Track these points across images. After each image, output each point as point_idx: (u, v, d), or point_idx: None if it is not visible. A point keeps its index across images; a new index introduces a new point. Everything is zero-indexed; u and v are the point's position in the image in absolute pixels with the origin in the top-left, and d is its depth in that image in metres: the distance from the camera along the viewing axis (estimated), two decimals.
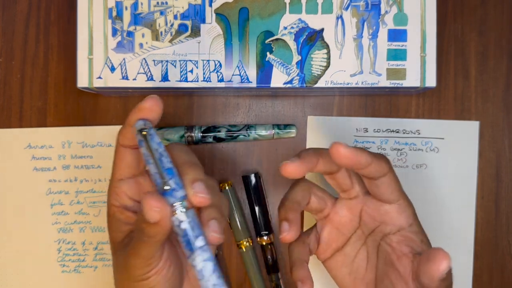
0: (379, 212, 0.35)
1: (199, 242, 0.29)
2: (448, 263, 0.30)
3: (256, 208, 0.46)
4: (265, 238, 0.46)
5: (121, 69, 0.42)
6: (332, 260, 0.38)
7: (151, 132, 0.31)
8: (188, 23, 0.42)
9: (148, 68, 0.42)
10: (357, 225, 0.37)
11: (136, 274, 0.31)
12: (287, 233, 0.33)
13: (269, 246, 0.46)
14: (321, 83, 0.42)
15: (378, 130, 0.47)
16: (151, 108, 0.31)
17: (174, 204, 0.29)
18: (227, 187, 0.46)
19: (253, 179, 0.46)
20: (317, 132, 0.47)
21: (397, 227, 0.35)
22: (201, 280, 0.29)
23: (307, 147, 0.47)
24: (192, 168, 0.31)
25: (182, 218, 0.29)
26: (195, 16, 0.42)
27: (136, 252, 0.30)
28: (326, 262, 0.38)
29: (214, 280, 0.29)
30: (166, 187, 0.29)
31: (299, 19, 0.42)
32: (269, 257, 0.46)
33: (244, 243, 0.46)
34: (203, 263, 0.29)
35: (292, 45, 0.42)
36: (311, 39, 0.42)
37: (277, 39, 0.42)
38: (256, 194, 0.46)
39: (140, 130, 0.31)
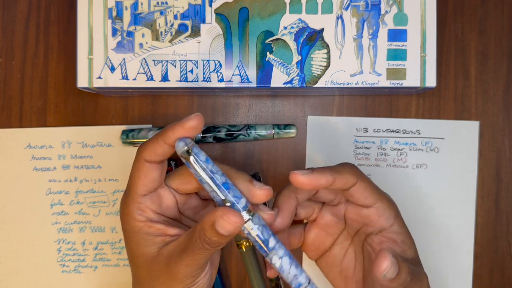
0: (360, 215, 0.36)
1: (271, 243, 0.31)
2: (388, 264, 0.31)
3: None
4: None
5: (121, 69, 0.42)
6: (323, 260, 0.38)
7: (195, 151, 0.31)
8: (188, 23, 0.42)
9: (148, 68, 0.42)
10: (343, 227, 0.38)
11: (187, 282, 0.31)
12: (273, 217, 0.33)
13: None
14: (321, 83, 0.42)
15: (378, 130, 0.47)
16: (197, 127, 0.31)
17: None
18: None
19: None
20: (317, 132, 0.47)
21: (378, 228, 0.35)
22: (283, 274, 0.31)
23: (307, 147, 0.47)
24: (236, 171, 0.32)
25: (251, 226, 0.31)
26: (195, 16, 0.42)
27: (191, 261, 0.30)
28: (318, 262, 0.39)
29: (294, 271, 0.31)
30: (227, 204, 0.30)
31: (299, 19, 0.42)
32: None
33: (244, 243, 0.45)
34: (280, 260, 0.31)
35: (292, 45, 0.42)
36: (311, 39, 0.42)
37: (277, 39, 0.42)
38: None
39: (187, 151, 0.30)
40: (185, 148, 0.30)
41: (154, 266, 0.32)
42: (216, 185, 0.31)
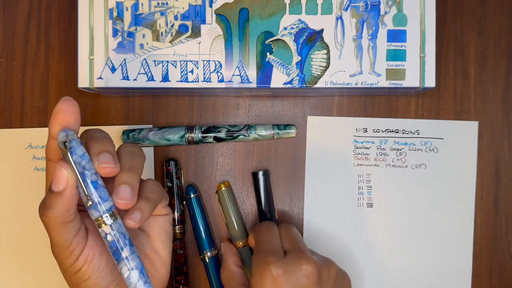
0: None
1: (125, 253, 0.30)
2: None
3: (263, 204, 0.46)
4: None
5: (122, 70, 0.42)
6: None
7: (72, 144, 0.30)
8: (189, 23, 0.42)
9: (149, 68, 0.42)
10: None
11: (65, 266, 0.31)
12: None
13: None
14: (321, 84, 0.42)
15: (378, 130, 0.48)
16: (67, 110, 0.30)
17: (99, 218, 0.30)
18: (223, 188, 0.46)
19: (261, 176, 0.46)
20: (317, 132, 0.48)
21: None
22: (129, 286, 0.31)
23: (307, 147, 0.47)
24: (98, 141, 0.31)
25: (107, 230, 0.30)
26: (195, 16, 0.42)
27: (52, 241, 0.31)
28: None
29: (141, 286, 0.31)
30: (89, 203, 0.30)
31: (299, 20, 0.42)
32: None
33: (240, 243, 0.46)
34: (129, 272, 0.30)
35: (292, 45, 0.42)
36: (311, 39, 0.42)
37: (277, 40, 0.42)
38: (265, 191, 0.46)
39: (64, 143, 0.30)
40: (63, 139, 0.30)
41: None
42: (84, 181, 0.30)
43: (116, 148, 0.33)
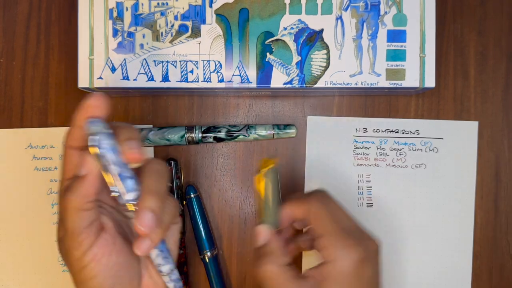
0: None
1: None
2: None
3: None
4: None
5: (122, 70, 0.42)
6: None
7: (101, 136, 0.30)
8: (189, 23, 0.42)
9: (149, 68, 0.42)
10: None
11: (73, 258, 0.31)
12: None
13: None
14: (320, 84, 0.42)
15: (378, 130, 0.48)
16: (98, 105, 0.31)
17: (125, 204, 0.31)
18: (272, 167, 0.38)
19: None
20: (317, 132, 0.48)
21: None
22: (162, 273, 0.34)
23: (307, 147, 0.47)
24: (127, 129, 0.31)
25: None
26: (195, 16, 0.42)
27: (64, 226, 0.31)
28: None
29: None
30: (113, 193, 0.30)
31: (299, 20, 0.42)
32: None
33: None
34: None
35: (292, 45, 0.42)
36: (311, 39, 0.42)
37: (277, 40, 0.42)
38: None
39: (93, 133, 0.30)
40: (94, 130, 0.30)
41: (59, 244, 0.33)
42: (113, 173, 0.30)
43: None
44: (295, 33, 0.42)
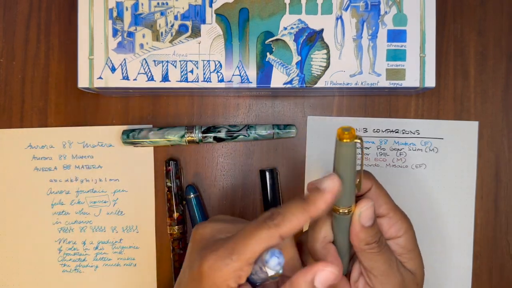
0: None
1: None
2: (368, 205, 0.31)
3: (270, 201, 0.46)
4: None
5: (122, 70, 0.42)
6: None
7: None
8: (189, 23, 0.42)
9: (149, 68, 0.42)
10: None
11: None
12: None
13: None
14: (320, 84, 0.42)
15: (378, 130, 0.48)
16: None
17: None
18: (356, 141, 0.30)
19: (268, 175, 0.46)
20: (317, 132, 0.47)
21: (387, 237, 0.34)
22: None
23: (307, 147, 0.47)
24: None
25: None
26: (195, 16, 0.42)
27: None
28: None
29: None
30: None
31: (299, 20, 0.42)
32: None
33: (346, 210, 0.34)
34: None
35: (292, 45, 0.42)
36: (311, 39, 0.42)
37: (277, 40, 0.42)
38: (272, 189, 0.46)
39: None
40: (277, 268, 0.28)
41: None
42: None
43: None
44: (295, 33, 0.42)
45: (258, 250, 0.28)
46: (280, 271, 0.28)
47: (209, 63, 0.42)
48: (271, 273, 0.28)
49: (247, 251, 0.28)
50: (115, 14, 0.42)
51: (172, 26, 0.42)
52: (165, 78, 0.42)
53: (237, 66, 0.42)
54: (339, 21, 0.42)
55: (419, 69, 0.42)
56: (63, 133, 0.48)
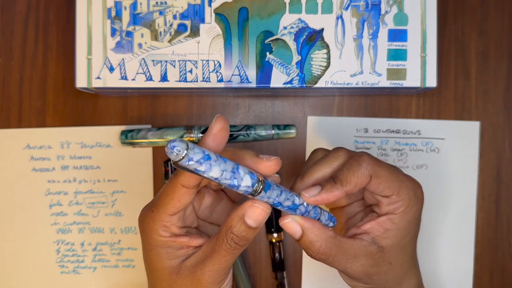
0: (374, 198, 0.35)
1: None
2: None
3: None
4: (275, 235, 0.46)
5: (120, 69, 0.42)
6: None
7: (193, 152, 0.26)
8: (188, 23, 0.42)
9: (147, 68, 0.42)
10: (361, 196, 0.37)
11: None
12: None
13: (278, 244, 0.46)
14: (321, 83, 0.42)
15: (378, 131, 0.47)
16: (224, 128, 0.29)
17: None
18: None
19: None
20: (317, 132, 0.47)
21: (384, 212, 0.35)
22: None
23: (307, 147, 0.47)
24: (240, 150, 0.31)
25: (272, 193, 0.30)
26: (194, 16, 0.42)
27: (218, 265, 0.30)
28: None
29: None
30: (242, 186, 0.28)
31: (299, 19, 0.42)
32: (276, 254, 0.46)
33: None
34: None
35: (292, 45, 0.42)
36: (311, 39, 0.42)
37: (277, 39, 0.42)
38: None
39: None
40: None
41: (177, 279, 0.32)
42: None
43: None
44: (295, 32, 0.42)
45: (172, 204, 0.30)
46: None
47: (208, 63, 0.42)
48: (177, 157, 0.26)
49: (161, 202, 0.31)
50: (113, 13, 0.42)
51: (171, 25, 0.42)
52: (164, 78, 0.42)
53: (237, 66, 0.42)
54: (340, 20, 0.42)
55: (420, 69, 0.42)
56: (61, 133, 0.47)
